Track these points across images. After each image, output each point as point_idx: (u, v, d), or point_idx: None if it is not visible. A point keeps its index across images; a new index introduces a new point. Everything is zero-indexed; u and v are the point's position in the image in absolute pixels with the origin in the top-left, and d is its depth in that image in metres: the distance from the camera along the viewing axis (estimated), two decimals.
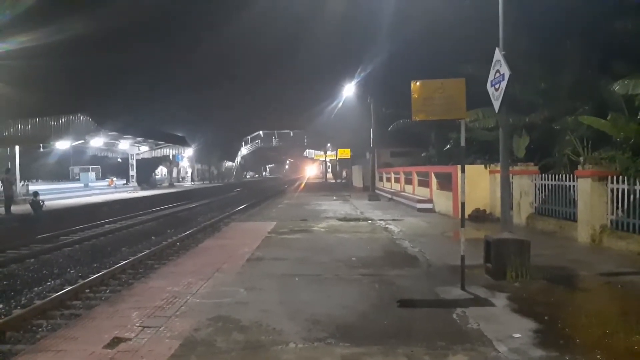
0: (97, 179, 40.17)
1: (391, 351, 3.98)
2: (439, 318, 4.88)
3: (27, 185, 25.48)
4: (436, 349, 4.01)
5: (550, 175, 10.93)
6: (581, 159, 9.68)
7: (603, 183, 8.78)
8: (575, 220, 9.53)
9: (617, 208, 8.56)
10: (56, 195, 24.85)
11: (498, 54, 6.50)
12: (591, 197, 8.86)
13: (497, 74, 6.48)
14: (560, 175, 10.48)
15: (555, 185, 10.60)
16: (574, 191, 9.76)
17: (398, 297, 5.60)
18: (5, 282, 9.52)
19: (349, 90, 28.19)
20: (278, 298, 5.69)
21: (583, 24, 13.28)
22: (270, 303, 5.46)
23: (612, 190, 8.64)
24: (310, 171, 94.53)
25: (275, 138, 71.41)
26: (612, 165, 9.05)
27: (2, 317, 7.32)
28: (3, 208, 16.78)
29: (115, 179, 38.12)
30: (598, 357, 3.81)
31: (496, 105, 6.62)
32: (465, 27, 15.79)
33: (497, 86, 6.51)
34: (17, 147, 23.23)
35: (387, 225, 12.42)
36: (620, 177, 8.48)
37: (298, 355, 3.95)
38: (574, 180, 9.69)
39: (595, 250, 8.35)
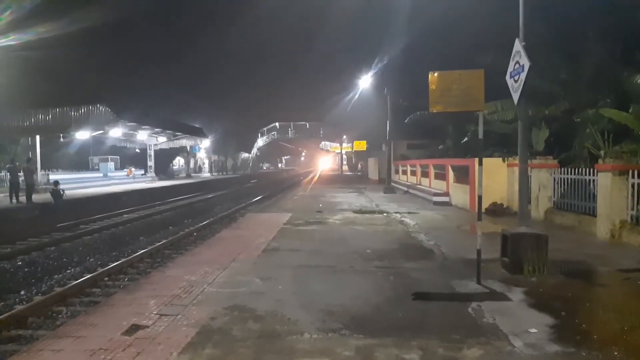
0: (116, 169, 40.86)
1: (405, 343, 3.98)
2: (454, 311, 4.86)
3: (48, 174, 26.00)
4: (451, 342, 4.00)
5: (569, 169, 10.74)
6: (602, 152, 9.48)
7: (624, 177, 8.60)
8: (594, 215, 9.37)
9: (638, 203, 8.39)
10: (76, 184, 25.34)
11: (518, 45, 6.37)
12: (611, 191, 8.70)
13: (517, 65, 6.36)
14: (579, 169, 10.29)
15: (574, 179, 10.42)
16: (593, 185, 9.59)
17: (413, 290, 5.59)
18: (26, 269, 9.76)
19: (365, 81, 28.04)
20: (293, 288, 5.73)
21: (605, 13, 12.97)
22: (285, 293, 5.51)
23: (632, 185, 8.46)
24: (326, 163, 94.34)
25: (291, 130, 71.41)
26: (634, 159, 8.85)
27: (24, 303, 7.52)
28: (24, 197, 17.15)
29: (133, 169, 38.75)
30: (615, 353, 3.76)
31: (515, 97, 6.51)
32: (485, 16, 15.57)
33: (516, 77, 6.39)
34: (37, 137, 23.67)
35: (402, 218, 12.37)
36: None
37: (312, 346, 3.98)
38: (593, 175, 9.51)
39: (614, 246, 8.21)
